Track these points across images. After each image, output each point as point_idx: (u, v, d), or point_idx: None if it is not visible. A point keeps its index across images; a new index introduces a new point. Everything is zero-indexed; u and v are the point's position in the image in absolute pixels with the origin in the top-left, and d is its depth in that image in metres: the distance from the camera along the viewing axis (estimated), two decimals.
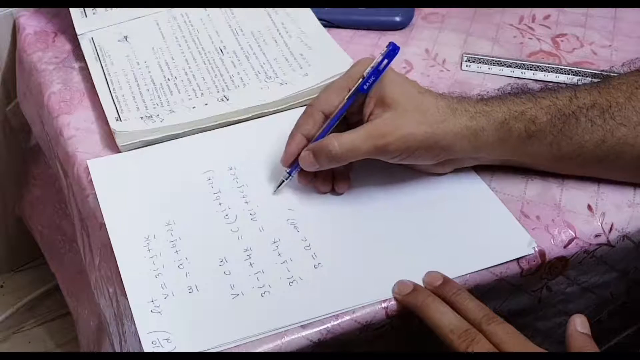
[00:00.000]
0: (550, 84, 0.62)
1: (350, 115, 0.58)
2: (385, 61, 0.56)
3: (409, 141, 0.54)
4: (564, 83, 0.67)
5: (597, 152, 0.56)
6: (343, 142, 0.55)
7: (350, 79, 0.57)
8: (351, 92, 0.56)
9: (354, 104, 0.57)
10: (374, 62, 0.56)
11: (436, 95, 0.57)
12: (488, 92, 0.60)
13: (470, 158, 0.59)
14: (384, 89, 0.56)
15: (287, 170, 0.59)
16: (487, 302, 0.50)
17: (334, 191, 0.59)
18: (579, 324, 0.49)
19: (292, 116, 0.66)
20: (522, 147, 0.56)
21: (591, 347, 0.48)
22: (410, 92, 0.56)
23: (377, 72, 0.56)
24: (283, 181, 0.59)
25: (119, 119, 0.65)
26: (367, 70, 0.56)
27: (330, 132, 0.57)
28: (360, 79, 0.56)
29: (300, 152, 0.57)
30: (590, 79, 0.70)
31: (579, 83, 0.60)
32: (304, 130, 0.57)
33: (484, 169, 0.60)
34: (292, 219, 0.58)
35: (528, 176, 0.60)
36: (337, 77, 0.66)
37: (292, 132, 0.58)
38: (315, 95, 0.66)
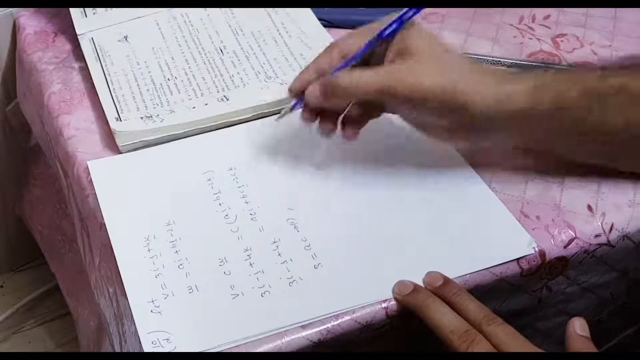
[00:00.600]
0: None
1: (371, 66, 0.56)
2: (412, 12, 0.54)
3: (421, 88, 0.51)
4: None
5: (622, 136, 0.53)
6: (353, 77, 0.53)
7: (377, 27, 0.55)
8: (371, 38, 0.54)
9: (376, 51, 0.55)
10: (399, 13, 0.54)
11: (465, 55, 0.55)
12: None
13: (486, 130, 0.54)
14: (409, 39, 0.53)
15: (291, 104, 0.57)
16: (487, 302, 0.50)
17: (344, 132, 0.57)
18: (578, 327, 0.49)
19: (292, 116, 0.66)
20: (547, 121, 0.53)
21: (590, 349, 0.48)
22: (436, 46, 0.54)
23: (400, 20, 0.54)
24: (285, 111, 0.58)
25: (119, 119, 0.65)
26: (391, 20, 0.54)
27: None
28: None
29: (307, 86, 0.56)
30: None
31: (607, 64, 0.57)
32: (318, 65, 0.56)
33: (484, 169, 0.60)
34: (292, 219, 0.58)
35: (528, 176, 0.60)
36: None
37: (307, 66, 0.57)
38: None
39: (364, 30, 0.56)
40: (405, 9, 0.54)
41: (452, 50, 0.54)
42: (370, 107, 0.57)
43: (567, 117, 0.53)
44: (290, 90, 0.57)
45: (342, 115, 0.57)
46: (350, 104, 0.57)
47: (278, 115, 0.58)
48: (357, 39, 0.55)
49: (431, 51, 0.53)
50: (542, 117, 0.53)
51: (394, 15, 0.55)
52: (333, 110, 0.57)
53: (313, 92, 0.55)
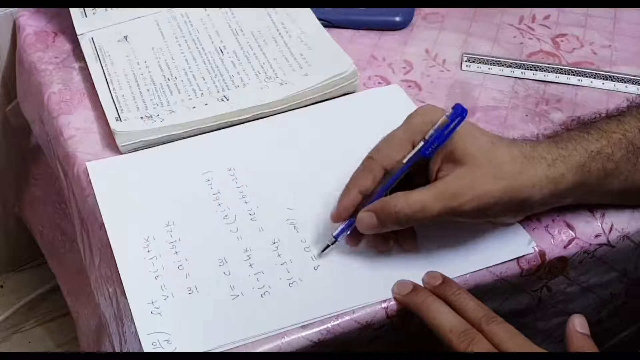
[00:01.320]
0: (605, 113, 0.58)
1: (412, 170, 0.53)
2: (453, 124, 0.50)
3: (485, 199, 0.50)
4: (566, 83, 0.67)
5: None
6: (412, 203, 0.50)
7: (412, 130, 0.52)
8: (412, 154, 0.52)
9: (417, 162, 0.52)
10: (439, 123, 0.51)
11: (508, 143, 0.53)
12: (546, 129, 0.59)
13: (546, 205, 0.54)
14: (452, 141, 0.51)
15: (334, 234, 0.54)
16: (487, 302, 0.51)
17: (395, 247, 0.55)
18: (577, 324, 0.49)
19: (292, 117, 0.66)
20: (598, 187, 0.54)
21: (590, 347, 0.48)
22: (481, 143, 0.51)
23: (442, 136, 0.51)
24: (328, 246, 0.54)
25: (119, 119, 0.65)
26: (429, 133, 0.51)
27: (388, 192, 0.52)
28: (422, 142, 0.51)
29: (355, 209, 0.53)
30: (591, 79, 0.70)
31: (634, 103, 0.57)
32: (361, 186, 0.53)
33: None
34: (291, 219, 0.58)
35: None
36: (336, 78, 0.67)
37: (347, 186, 0.53)
38: (315, 96, 0.67)
39: (397, 137, 0.53)
40: (444, 121, 0.51)
41: (493, 138, 0.53)
42: None
43: (615, 180, 0.54)
44: (335, 216, 0.53)
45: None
46: None
47: (324, 249, 0.54)
48: (395, 150, 0.52)
49: (479, 151, 0.51)
50: (593, 187, 0.54)
51: (432, 112, 0.52)
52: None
53: (368, 221, 0.51)
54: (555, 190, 0.52)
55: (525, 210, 0.54)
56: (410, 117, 0.54)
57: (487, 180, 0.50)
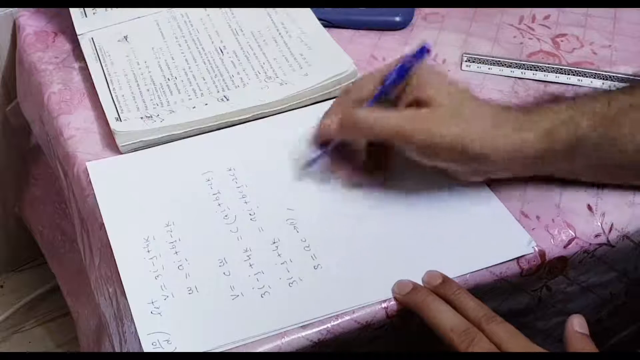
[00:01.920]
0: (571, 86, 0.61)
1: None
2: (412, 58, 0.54)
3: (435, 137, 0.52)
4: (566, 83, 0.68)
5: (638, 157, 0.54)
6: (370, 113, 0.53)
7: (385, 71, 0.56)
8: (382, 86, 0.55)
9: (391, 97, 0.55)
10: (405, 56, 0.55)
11: (481, 103, 0.54)
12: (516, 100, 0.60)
13: (505, 170, 0.56)
14: (426, 87, 0.54)
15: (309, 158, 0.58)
16: (487, 302, 0.51)
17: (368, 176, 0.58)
18: (577, 325, 0.49)
19: (292, 117, 0.66)
20: (564, 156, 0.54)
21: (589, 347, 0.48)
22: (453, 95, 0.54)
23: (402, 69, 0.54)
24: (310, 162, 0.59)
25: (119, 119, 0.65)
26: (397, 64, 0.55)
27: None
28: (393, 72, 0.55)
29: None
30: (591, 79, 0.70)
31: (612, 87, 0.58)
32: (329, 117, 0.57)
33: None
34: (291, 219, 0.58)
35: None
36: (336, 78, 0.67)
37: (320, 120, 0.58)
38: (315, 96, 0.67)
39: (370, 77, 0.57)
40: (410, 54, 0.54)
41: (470, 96, 0.54)
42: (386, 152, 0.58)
43: (582, 150, 0.54)
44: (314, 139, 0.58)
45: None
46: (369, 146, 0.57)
47: (305, 164, 0.59)
48: (367, 86, 0.56)
49: (449, 100, 0.53)
50: (559, 156, 0.54)
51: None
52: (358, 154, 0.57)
53: (329, 124, 0.55)
54: (517, 155, 0.53)
55: (480, 169, 0.55)
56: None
57: (445, 122, 0.52)
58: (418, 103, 0.54)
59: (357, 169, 0.58)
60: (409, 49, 0.74)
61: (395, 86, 0.55)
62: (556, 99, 0.57)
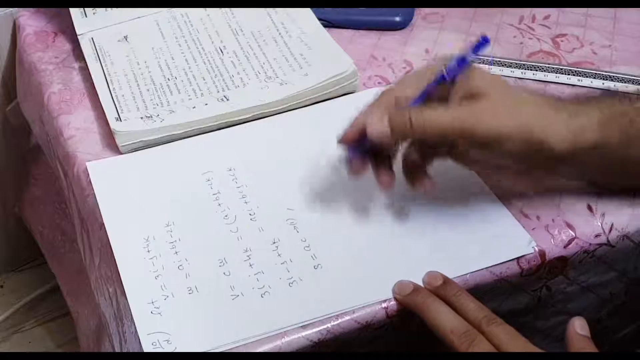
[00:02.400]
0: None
1: None
2: (471, 51, 0.51)
3: (500, 129, 0.49)
4: (566, 83, 0.68)
5: None
6: (427, 114, 0.49)
7: (427, 70, 0.53)
8: (435, 76, 0.52)
9: (434, 97, 0.52)
10: (460, 52, 0.51)
11: (531, 91, 0.53)
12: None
13: (562, 163, 0.52)
14: (474, 81, 0.51)
15: (348, 153, 0.54)
16: (487, 302, 0.51)
17: (388, 185, 0.54)
18: (578, 327, 0.49)
19: (292, 117, 0.66)
20: (619, 152, 0.52)
21: (590, 349, 0.48)
22: (503, 85, 0.52)
23: (462, 60, 0.51)
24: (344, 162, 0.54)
25: (119, 119, 0.65)
26: (453, 57, 0.51)
27: None
28: (443, 67, 0.52)
29: (361, 134, 0.52)
30: (591, 79, 0.70)
31: None
32: (367, 114, 0.53)
33: None
34: (291, 219, 0.58)
35: None
36: (336, 78, 0.67)
37: (355, 117, 0.53)
38: (315, 96, 0.67)
39: (413, 76, 0.54)
40: (464, 54, 0.51)
41: (516, 87, 0.53)
42: (431, 152, 0.54)
43: (636, 147, 0.52)
44: (341, 139, 0.53)
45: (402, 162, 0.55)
46: (409, 148, 0.54)
47: (347, 169, 0.54)
48: (411, 85, 0.52)
49: (501, 91, 0.51)
50: (614, 151, 0.52)
51: (450, 58, 0.52)
52: (386, 159, 0.54)
53: (379, 126, 0.50)
54: (575, 143, 0.50)
55: (538, 162, 0.52)
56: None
57: (506, 113, 0.49)
58: (470, 97, 0.51)
59: (388, 168, 0.55)
60: (409, 49, 0.74)
61: (443, 84, 0.52)
62: (612, 93, 0.55)
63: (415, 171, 0.55)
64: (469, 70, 0.52)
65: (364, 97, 0.68)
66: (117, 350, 0.61)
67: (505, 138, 0.49)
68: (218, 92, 0.68)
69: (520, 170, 0.54)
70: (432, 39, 0.76)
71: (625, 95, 0.54)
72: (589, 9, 0.79)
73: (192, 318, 0.51)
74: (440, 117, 0.50)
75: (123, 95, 0.68)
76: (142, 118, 0.65)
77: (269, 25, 0.75)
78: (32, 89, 0.75)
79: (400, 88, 0.53)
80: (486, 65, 0.53)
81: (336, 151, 0.62)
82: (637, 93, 0.57)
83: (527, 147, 0.50)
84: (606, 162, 0.53)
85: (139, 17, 0.76)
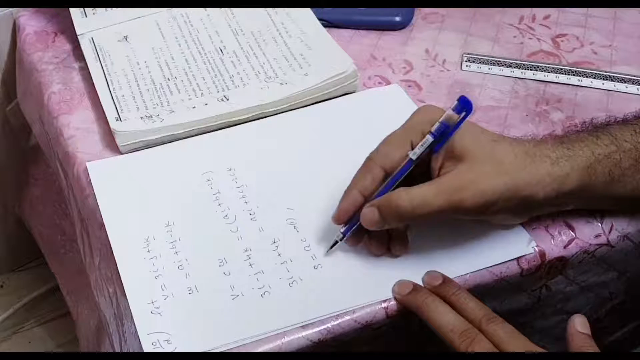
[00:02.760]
0: (621, 117, 0.57)
1: (414, 168, 0.52)
2: (459, 117, 0.50)
3: (487, 195, 0.49)
4: (566, 83, 0.67)
5: None
6: (413, 197, 0.50)
7: (412, 130, 0.52)
8: (417, 148, 0.51)
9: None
10: (444, 117, 0.50)
11: (511, 140, 0.52)
12: (555, 130, 0.58)
13: (549, 206, 0.54)
14: (453, 140, 0.51)
15: (341, 230, 0.54)
16: (487, 302, 0.51)
17: (389, 252, 0.55)
18: (579, 324, 0.49)
19: (292, 117, 0.66)
20: (604, 191, 0.53)
21: (591, 347, 0.48)
22: (482, 140, 0.51)
23: (448, 129, 0.50)
24: (337, 242, 0.54)
25: (119, 119, 0.65)
26: (435, 127, 0.51)
27: (392, 190, 0.52)
28: (429, 134, 0.51)
29: (355, 209, 0.53)
30: (591, 79, 0.70)
31: None
32: (361, 186, 0.52)
33: None
34: (291, 219, 0.58)
35: None
36: (336, 78, 0.67)
37: (348, 188, 0.53)
38: (315, 96, 0.67)
39: (397, 137, 0.53)
40: (445, 117, 0.50)
41: (495, 136, 0.52)
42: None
43: (622, 187, 0.53)
44: (336, 217, 0.53)
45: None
46: None
47: (330, 247, 0.54)
48: (394, 150, 0.52)
49: (481, 148, 0.51)
50: (599, 191, 0.53)
51: (432, 112, 0.52)
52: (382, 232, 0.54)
53: (371, 217, 0.51)
54: (559, 190, 0.51)
55: (527, 210, 0.54)
56: (411, 116, 0.54)
57: (489, 176, 0.50)
58: (452, 157, 0.51)
59: (383, 240, 0.54)
60: (409, 49, 0.74)
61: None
62: (597, 128, 0.55)
63: (395, 236, 0.54)
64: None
65: (364, 97, 0.69)
66: (117, 350, 0.61)
67: (492, 203, 0.50)
68: (218, 92, 0.68)
69: (511, 217, 0.55)
70: (432, 39, 0.76)
71: (609, 129, 0.54)
72: (589, 9, 0.79)
73: (192, 318, 0.51)
74: (427, 197, 0.50)
75: (123, 95, 0.68)
76: (142, 118, 0.65)
77: (269, 25, 0.75)
78: (32, 89, 0.75)
79: (384, 155, 0.53)
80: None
81: (336, 151, 0.62)
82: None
83: (514, 203, 0.51)
84: (590, 197, 0.54)
85: (139, 17, 0.76)
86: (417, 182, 0.52)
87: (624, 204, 0.55)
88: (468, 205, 0.50)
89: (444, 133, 0.50)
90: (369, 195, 0.53)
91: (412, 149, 0.52)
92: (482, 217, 0.52)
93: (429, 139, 0.51)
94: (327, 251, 0.55)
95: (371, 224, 0.51)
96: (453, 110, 0.50)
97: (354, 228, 0.53)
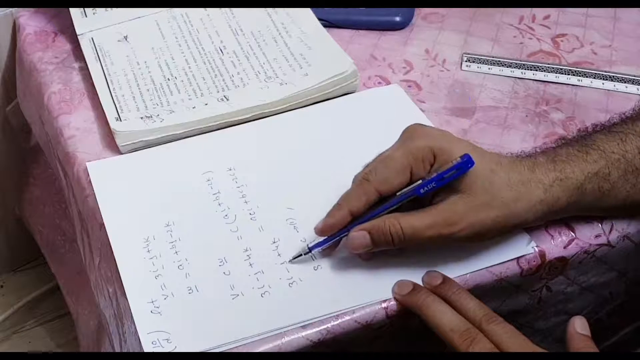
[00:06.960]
0: (613, 121, 0.57)
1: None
2: (453, 172, 0.50)
3: (478, 227, 0.50)
4: (566, 83, 0.68)
5: None
6: (405, 227, 0.50)
7: (412, 156, 0.52)
8: (407, 189, 0.51)
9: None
10: (443, 168, 0.51)
11: (508, 167, 0.52)
12: (546, 143, 0.58)
13: (538, 222, 0.55)
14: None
15: (309, 245, 0.54)
16: (487, 302, 0.51)
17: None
18: (578, 326, 0.49)
19: (292, 117, 0.66)
20: (595, 204, 0.54)
21: (590, 348, 0.48)
22: (479, 169, 0.51)
23: (440, 180, 0.50)
24: (301, 255, 0.54)
25: (119, 119, 0.65)
26: (431, 176, 0.51)
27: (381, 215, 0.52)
28: (420, 181, 0.51)
29: (341, 226, 0.53)
30: (591, 79, 0.70)
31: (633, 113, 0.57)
32: (353, 206, 0.52)
33: None
34: (291, 219, 0.58)
35: None
36: (336, 78, 0.67)
37: (338, 203, 0.53)
38: (315, 96, 0.67)
39: (397, 162, 0.52)
40: (448, 167, 0.50)
41: (492, 164, 0.52)
42: None
43: (612, 199, 0.54)
44: (320, 230, 0.53)
45: None
46: None
47: (293, 257, 0.54)
48: (393, 176, 0.52)
49: (476, 180, 0.51)
50: (589, 206, 0.54)
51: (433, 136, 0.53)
52: None
53: (361, 241, 0.51)
54: (548, 211, 0.52)
55: (516, 228, 0.54)
56: (410, 138, 0.53)
57: (481, 209, 0.50)
58: (445, 188, 0.51)
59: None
60: (409, 49, 0.74)
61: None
62: (584, 138, 0.55)
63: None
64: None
65: (364, 97, 0.69)
66: (117, 350, 0.61)
67: (483, 234, 0.51)
68: (218, 92, 0.68)
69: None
70: (432, 39, 0.76)
71: (596, 142, 0.54)
72: (589, 9, 0.79)
73: (192, 318, 0.51)
74: (419, 227, 0.50)
75: (123, 95, 0.68)
76: (142, 118, 0.65)
77: (269, 25, 0.75)
78: (32, 89, 0.75)
79: (382, 180, 0.52)
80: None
81: (336, 151, 0.62)
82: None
83: (506, 229, 0.52)
84: (579, 210, 0.55)
85: (139, 17, 0.76)
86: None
87: (616, 212, 0.56)
88: (459, 237, 0.51)
89: (437, 181, 0.51)
90: (357, 216, 0.53)
91: (412, 175, 0.52)
92: (476, 243, 0.53)
93: (418, 183, 0.51)
94: (291, 261, 0.54)
95: (360, 247, 0.52)
96: (454, 164, 0.50)
97: (324, 245, 0.54)
